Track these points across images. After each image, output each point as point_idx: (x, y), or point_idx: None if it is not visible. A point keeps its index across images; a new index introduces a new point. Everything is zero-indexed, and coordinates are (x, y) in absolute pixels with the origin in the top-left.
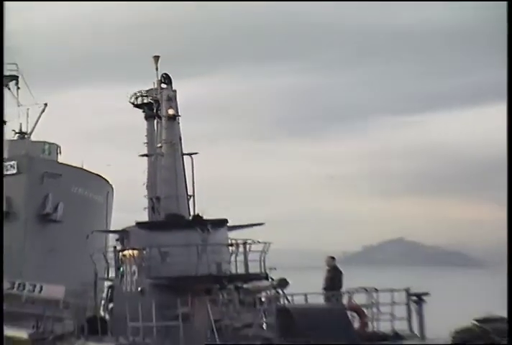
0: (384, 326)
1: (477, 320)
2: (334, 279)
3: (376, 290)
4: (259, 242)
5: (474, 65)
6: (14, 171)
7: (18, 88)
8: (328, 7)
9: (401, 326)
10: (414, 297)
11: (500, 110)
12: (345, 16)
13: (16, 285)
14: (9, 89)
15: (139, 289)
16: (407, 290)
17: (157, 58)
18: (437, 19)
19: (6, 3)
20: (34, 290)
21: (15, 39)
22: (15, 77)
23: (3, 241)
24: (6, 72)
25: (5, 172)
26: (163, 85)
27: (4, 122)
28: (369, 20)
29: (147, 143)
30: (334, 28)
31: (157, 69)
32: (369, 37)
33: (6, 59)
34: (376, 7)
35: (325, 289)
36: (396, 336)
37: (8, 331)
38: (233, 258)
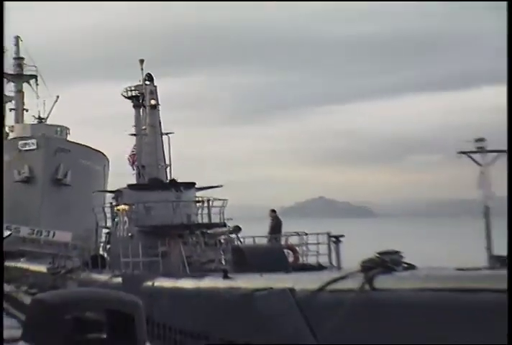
0: (311, 260)
1: (378, 253)
2: (275, 226)
3: (305, 234)
4: (219, 199)
5: (390, 66)
6: (35, 147)
7: (37, 84)
8: (283, 19)
9: (323, 260)
10: (333, 239)
11: (405, 102)
12: (294, 27)
13: (35, 232)
14: (30, 85)
15: (129, 234)
16: (328, 233)
17: (142, 61)
18: (363, 31)
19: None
20: (48, 235)
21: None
22: (34, 76)
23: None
24: (27, 72)
25: (27, 148)
26: (147, 82)
27: (26, 110)
28: (311, 30)
29: (134, 126)
30: (286, 37)
31: (142, 69)
32: (308, 46)
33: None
34: (317, 19)
35: (270, 233)
36: (319, 266)
37: (32, 266)
38: (199, 211)
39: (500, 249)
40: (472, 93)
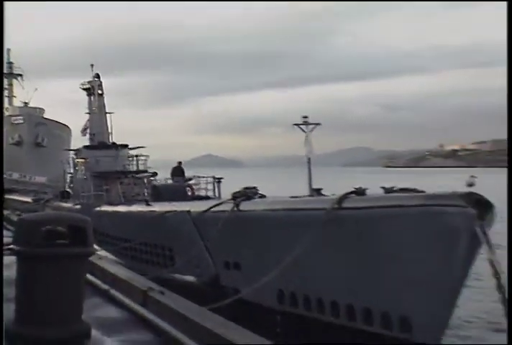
0: (202, 193)
1: (243, 188)
2: (178, 172)
3: (198, 177)
4: (143, 155)
5: (254, 72)
6: (22, 121)
7: (23, 80)
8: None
9: (210, 193)
10: (216, 180)
11: (261, 94)
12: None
13: (22, 176)
14: (18, 80)
15: (85, 177)
16: (213, 177)
17: (92, 65)
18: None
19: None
20: (31, 178)
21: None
22: (20, 75)
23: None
24: (16, 72)
25: (17, 122)
26: (96, 79)
27: (15, 96)
28: (210, 45)
29: (88, 107)
30: (192, 51)
31: (92, 70)
32: (205, 56)
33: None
34: (216, 38)
35: (172, 175)
36: (207, 197)
37: (22, 198)
38: (131, 163)
39: (316, 185)
40: (303, 90)
